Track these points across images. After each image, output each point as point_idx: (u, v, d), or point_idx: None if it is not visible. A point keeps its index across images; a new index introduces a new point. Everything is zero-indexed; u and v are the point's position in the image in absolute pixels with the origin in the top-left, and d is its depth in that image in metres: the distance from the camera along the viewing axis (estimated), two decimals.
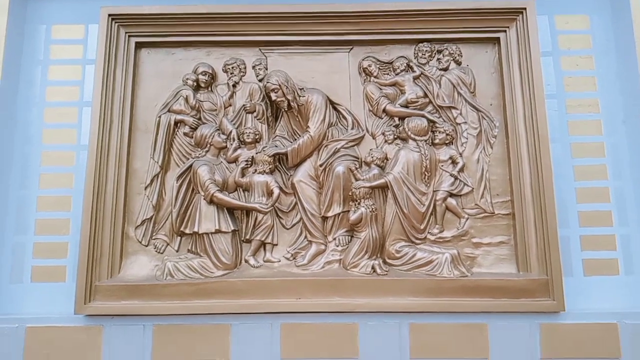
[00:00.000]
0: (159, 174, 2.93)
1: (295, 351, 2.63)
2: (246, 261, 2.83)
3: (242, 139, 3.00)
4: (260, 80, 3.07)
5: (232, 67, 3.08)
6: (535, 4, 2.96)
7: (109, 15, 3.02)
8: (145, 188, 2.92)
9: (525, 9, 2.96)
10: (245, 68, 3.10)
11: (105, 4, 3.06)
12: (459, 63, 3.06)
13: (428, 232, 2.84)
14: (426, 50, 3.06)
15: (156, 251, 2.85)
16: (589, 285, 2.75)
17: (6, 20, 3.01)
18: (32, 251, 2.88)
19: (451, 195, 2.88)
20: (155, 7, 3.05)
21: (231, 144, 2.98)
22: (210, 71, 3.07)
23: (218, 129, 2.98)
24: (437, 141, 2.93)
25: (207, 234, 2.79)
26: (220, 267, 2.76)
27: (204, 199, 2.83)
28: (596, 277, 2.76)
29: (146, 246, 2.86)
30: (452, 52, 3.05)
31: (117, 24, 3.04)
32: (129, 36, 3.07)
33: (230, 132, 3.00)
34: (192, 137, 2.98)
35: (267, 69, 3.07)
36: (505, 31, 3.01)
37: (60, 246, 2.86)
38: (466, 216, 2.85)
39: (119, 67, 3.00)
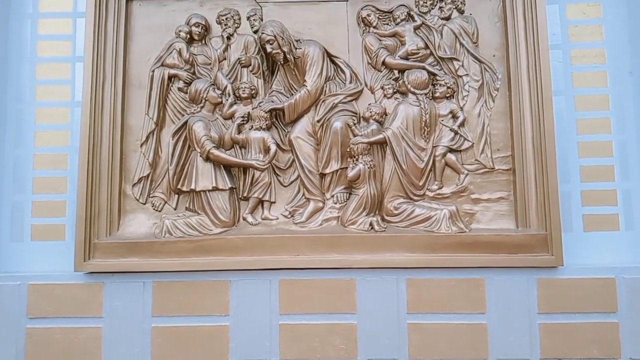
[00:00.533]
0: (154, 130, 2.75)
1: (294, 307, 2.54)
2: (244, 219, 2.69)
3: (237, 94, 2.79)
4: (255, 32, 2.84)
5: (226, 19, 2.84)
6: None
7: None
8: (141, 145, 2.75)
9: None
10: (239, 19, 2.86)
11: None
12: (461, 12, 2.80)
13: (427, 189, 2.68)
14: None
15: (154, 209, 2.71)
16: (588, 240, 2.61)
17: None
18: (31, 210, 2.75)
19: (451, 150, 2.70)
20: None
21: (227, 100, 2.76)
22: (204, 23, 2.83)
23: (213, 84, 2.77)
24: (437, 95, 2.72)
25: (204, 191, 2.65)
26: (219, 224, 2.62)
27: (200, 155, 2.65)
28: (596, 233, 2.62)
29: (144, 204, 2.72)
30: None
31: None
32: None
33: (226, 87, 2.79)
34: (187, 93, 2.76)
35: (262, 20, 2.83)
36: None
37: (59, 204, 2.74)
38: (466, 172, 2.67)
39: (110, 21, 2.78)
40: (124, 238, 2.62)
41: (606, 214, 2.62)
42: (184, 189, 2.67)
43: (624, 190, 2.63)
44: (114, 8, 2.77)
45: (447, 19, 2.79)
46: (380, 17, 2.82)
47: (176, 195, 2.72)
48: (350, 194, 2.67)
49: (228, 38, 2.84)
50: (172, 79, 2.80)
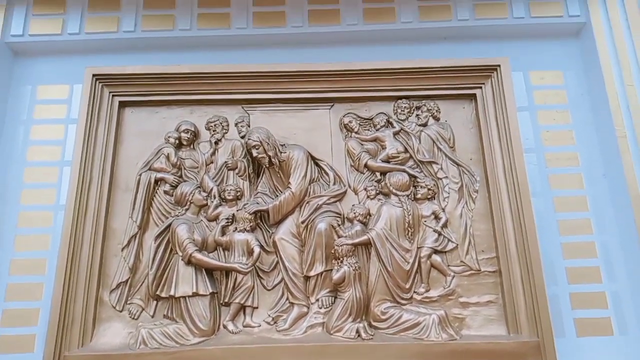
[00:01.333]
0: (137, 234, 2.55)
1: None
2: (224, 326, 2.42)
3: (223, 197, 2.65)
4: (242, 137, 2.77)
5: (215, 125, 2.79)
6: (510, 61, 2.71)
7: (94, 75, 2.74)
8: (122, 249, 2.54)
9: (499, 66, 2.72)
10: (227, 125, 2.80)
11: (90, 64, 2.77)
12: (437, 119, 2.78)
13: (414, 292, 2.47)
14: (405, 107, 2.78)
15: (131, 317, 2.44)
16: (582, 346, 2.38)
17: None
18: (0, 319, 2.43)
19: (436, 252, 2.52)
20: (139, 67, 2.79)
21: (212, 202, 2.60)
22: (193, 129, 2.76)
23: (199, 187, 2.62)
24: (419, 196, 2.60)
25: (183, 297, 2.38)
26: (197, 333, 2.34)
27: (182, 259, 2.44)
28: (590, 338, 2.39)
29: (120, 311, 2.45)
30: (430, 108, 2.78)
31: (101, 84, 2.77)
32: (113, 95, 2.79)
33: (212, 189, 2.65)
34: (173, 195, 2.60)
35: (249, 126, 2.78)
36: (481, 87, 2.77)
37: (31, 313, 2.46)
38: (452, 274, 2.48)
39: (101, 126, 2.71)
40: (97, 350, 2.32)
41: (597, 317, 2.41)
42: (163, 295, 2.43)
43: (613, 292, 2.44)
44: (106, 115, 2.72)
45: (424, 125, 2.77)
46: (361, 124, 2.80)
47: (154, 302, 2.47)
48: (335, 297, 2.45)
49: (216, 143, 2.77)
50: (159, 183, 2.67)
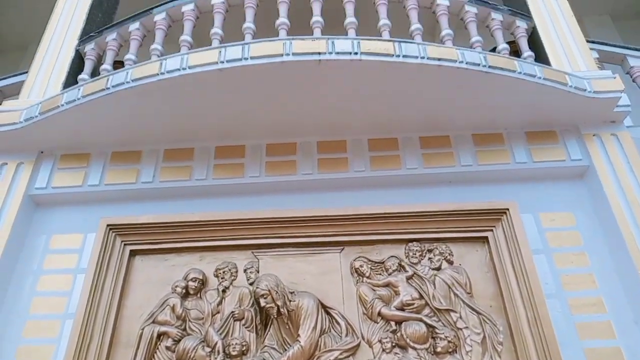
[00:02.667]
0: None
1: None
2: None
3: (227, 352, 2.44)
4: (251, 284, 2.63)
5: (224, 272, 2.69)
6: (518, 204, 2.66)
7: (108, 225, 2.73)
8: None
9: (507, 209, 2.64)
10: (236, 272, 2.70)
11: (106, 214, 2.79)
12: (450, 262, 2.66)
13: None
14: (416, 250, 2.69)
15: None
16: None
17: (9, 233, 2.68)
18: None
19: None
20: (152, 216, 2.81)
21: (215, 358, 2.37)
22: (201, 277, 2.67)
23: (203, 341, 2.43)
24: (439, 349, 2.37)
25: None
26: None
27: None
28: None
29: None
30: (442, 251, 2.68)
31: (114, 234, 2.76)
32: (125, 244, 2.76)
33: (216, 343, 2.45)
34: (175, 352, 2.39)
35: (258, 272, 2.66)
36: (492, 230, 2.68)
37: None
38: None
39: (109, 276, 2.63)
40: None
41: None
42: None
43: None
44: (116, 264, 2.66)
45: (438, 269, 2.63)
46: (372, 267, 2.67)
47: None
48: None
49: (224, 291, 2.64)
50: (161, 337, 2.49)
